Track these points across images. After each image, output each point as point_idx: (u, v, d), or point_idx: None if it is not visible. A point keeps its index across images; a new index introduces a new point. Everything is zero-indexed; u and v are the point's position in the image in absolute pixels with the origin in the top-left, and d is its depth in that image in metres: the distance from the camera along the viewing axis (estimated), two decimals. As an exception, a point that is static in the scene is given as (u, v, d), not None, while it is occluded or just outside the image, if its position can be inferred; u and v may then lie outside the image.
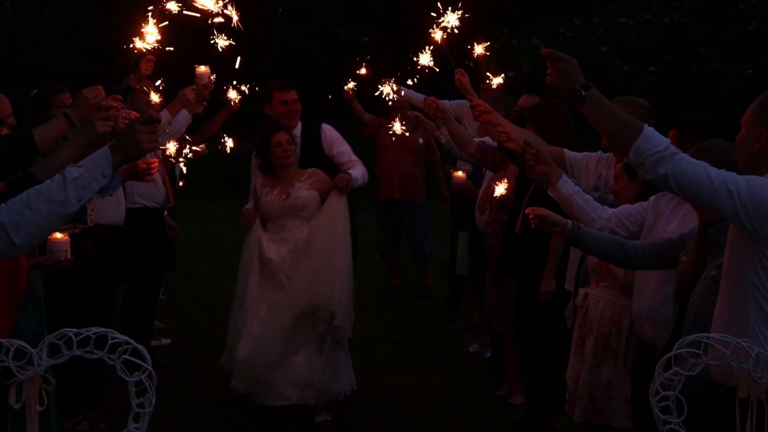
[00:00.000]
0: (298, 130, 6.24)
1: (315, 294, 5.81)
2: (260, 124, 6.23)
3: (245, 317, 5.90)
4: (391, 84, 6.63)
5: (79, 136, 3.50)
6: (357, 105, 8.85)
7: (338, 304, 5.84)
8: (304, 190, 5.95)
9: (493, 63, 16.49)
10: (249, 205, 6.22)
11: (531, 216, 4.03)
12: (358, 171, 6.15)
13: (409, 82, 6.69)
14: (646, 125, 2.96)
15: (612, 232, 4.22)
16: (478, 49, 5.76)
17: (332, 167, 6.20)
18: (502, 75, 5.89)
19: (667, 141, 2.94)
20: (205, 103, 6.32)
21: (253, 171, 6.24)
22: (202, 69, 6.01)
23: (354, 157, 6.29)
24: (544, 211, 4.03)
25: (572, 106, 3.05)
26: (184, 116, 6.29)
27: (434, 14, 5.52)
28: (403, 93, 7.09)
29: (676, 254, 3.73)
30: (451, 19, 5.49)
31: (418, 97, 7.46)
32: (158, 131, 2.99)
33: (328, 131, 6.34)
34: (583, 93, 2.99)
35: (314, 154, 6.22)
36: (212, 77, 6.04)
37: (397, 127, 6.56)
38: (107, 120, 3.56)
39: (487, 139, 6.47)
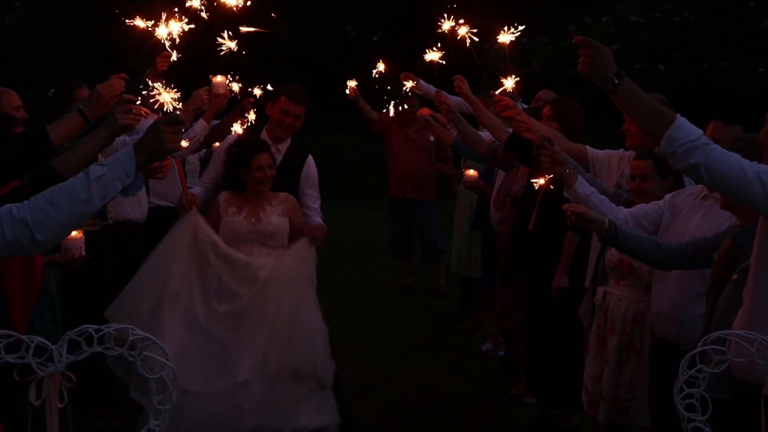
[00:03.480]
0: (283, 147, 5.69)
1: (298, 357, 5.16)
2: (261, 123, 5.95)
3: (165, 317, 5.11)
4: (410, 79, 6.58)
5: (101, 129, 3.49)
6: (363, 104, 8.83)
7: (323, 369, 5.25)
8: (276, 216, 5.36)
9: (502, 62, 16.53)
10: (194, 191, 5.59)
11: (568, 213, 3.95)
12: (321, 223, 5.59)
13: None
14: (678, 115, 2.92)
15: None
16: (504, 38, 5.23)
17: (295, 196, 5.62)
18: (513, 76, 5.63)
19: (699, 131, 2.90)
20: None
21: (215, 161, 5.65)
22: (219, 79, 5.91)
23: (318, 206, 5.68)
24: (581, 209, 3.96)
25: (605, 95, 3.01)
26: (201, 126, 6.25)
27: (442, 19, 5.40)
28: (419, 83, 6.99)
29: (711, 254, 3.68)
30: (458, 28, 5.38)
31: (431, 89, 7.43)
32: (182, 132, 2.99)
33: (313, 167, 5.73)
34: (616, 81, 2.96)
35: (287, 181, 5.57)
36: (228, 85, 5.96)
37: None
38: (128, 113, 3.55)
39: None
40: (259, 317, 5.18)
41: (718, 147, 2.89)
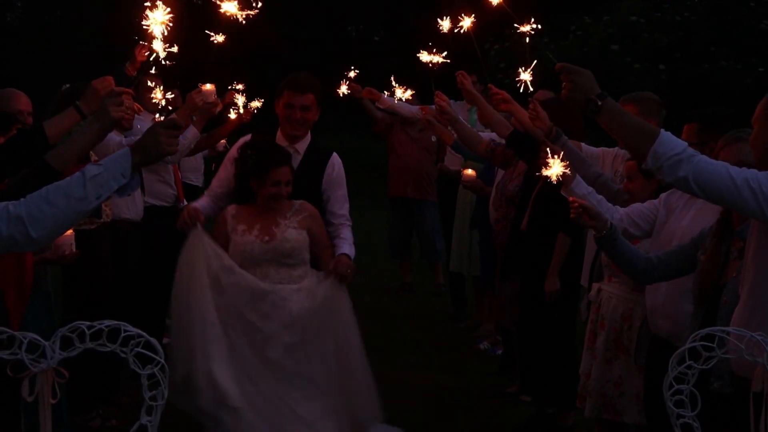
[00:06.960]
0: (302, 147, 5.02)
1: (359, 406, 4.95)
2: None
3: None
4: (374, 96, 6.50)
5: (94, 122, 3.53)
6: (368, 102, 8.81)
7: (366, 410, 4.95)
8: (292, 230, 4.71)
9: (504, 63, 16.52)
10: (199, 203, 4.95)
11: (575, 205, 3.87)
12: (348, 239, 4.93)
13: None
14: (662, 130, 2.96)
15: (625, 231, 4.19)
16: (525, 28, 4.86)
17: (318, 202, 4.99)
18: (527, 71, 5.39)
19: (684, 144, 2.93)
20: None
21: (226, 167, 4.99)
22: (208, 87, 5.86)
23: (346, 212, 5.02)
24: (586, 203, 3.92)
25: (590, 117, 3.05)
26: (192, 133, 6.27)
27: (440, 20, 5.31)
28: (385, 97, 6.76)
29: (692, 258, 3.68)
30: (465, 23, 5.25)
31: (409, 108, 7.38)
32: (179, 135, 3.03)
33: (338, 167, 5.05)
34: (599, 103, 3.01)
35: (308, 184, 4.93)
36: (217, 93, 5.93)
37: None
38: (120, 105, 3.58)
39: (494, 135, 6.41)
40: (303, 371, 4.76)
41: (704, 157, 2.93)
